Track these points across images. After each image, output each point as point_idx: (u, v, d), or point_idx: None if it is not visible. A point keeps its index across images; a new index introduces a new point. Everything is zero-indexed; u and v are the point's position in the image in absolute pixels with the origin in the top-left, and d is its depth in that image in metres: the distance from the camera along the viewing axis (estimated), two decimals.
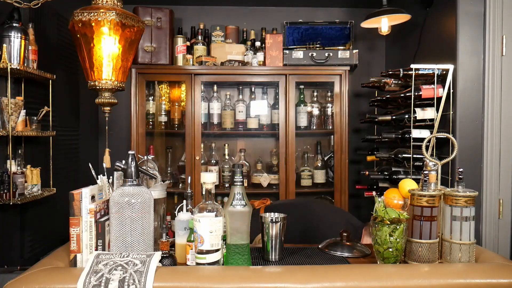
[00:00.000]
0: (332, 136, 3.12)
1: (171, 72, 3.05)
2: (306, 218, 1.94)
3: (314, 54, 3.04)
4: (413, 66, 2.33)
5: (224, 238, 1.33)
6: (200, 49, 3.09)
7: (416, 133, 2.36)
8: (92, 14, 1.76)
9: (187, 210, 1.48)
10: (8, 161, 2.02)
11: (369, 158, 2.88)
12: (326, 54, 3.04)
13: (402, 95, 2.44)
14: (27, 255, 2.23)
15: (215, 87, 3.11)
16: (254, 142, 3.34)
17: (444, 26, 2.43)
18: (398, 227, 1.30)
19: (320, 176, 3.17)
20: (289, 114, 3.01)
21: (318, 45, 3.13)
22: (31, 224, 2.28)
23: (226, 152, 3.16)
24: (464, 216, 1.32)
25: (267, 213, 1.50)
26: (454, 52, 2.29)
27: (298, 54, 3.04)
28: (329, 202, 3.06)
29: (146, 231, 1.29)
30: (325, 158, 3.25)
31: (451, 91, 2.28)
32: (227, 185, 3.11)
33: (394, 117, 2.50)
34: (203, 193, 1.32)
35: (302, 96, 3.17)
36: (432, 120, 2.36)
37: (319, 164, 3.19)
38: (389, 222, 1.31)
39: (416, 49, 2.76)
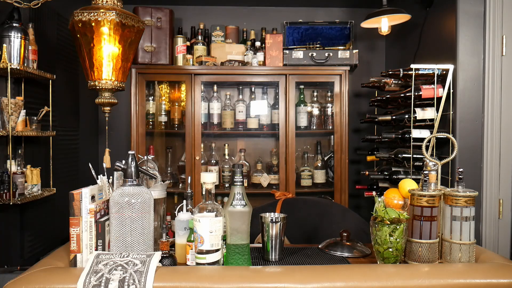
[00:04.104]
0: (332, 136, 3.12)
1: (171, 72, 3.05)
2: (322, 217, 1.92)
3: (314, 54, 3.04)
4: (413, 66, 2.33)
5: (224, 238, 1.33)
6: (200, 49, 3.09)
7: (416, 133, 2.36)
8: (92, 14, 1.76)
9: (187, 210, 1.48)
10: (8, 161, 2.02)
11: (369, 158, 2.88)
12: (326, 54, 3.04)
13: (402, 95, 2.44)
14: (27, 255, 2.23)
15: (215, 87, 3.11)
16: (254, 142, 3.34)
17: (444, 26, 2.43)
18: (398, 227, 1.30)
19: (320, 176, 3.17)
20: (289, 114, 3.01)
21: (318, 45, 3.13)
22: (31, 224, 2.28)
23: (226, 152, 3.16)
24: (464, 216, 1.32)
25: (267, 213, 1.50)
26: (454, 52, 2.29)
27: (298, 54, 3.04)
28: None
29: (146, 231, 1.29)
30: (325, 158, 3.25)
31: (451, 91, 2.28)
32: (227, 185, 3.11)
33: (394, 117, 2.50)
34: (203, 193, 1.32)
35: (302, 96, 3.17)
36: (432, 120, 2.36)
37: (319, 164, 3.19)
38: (389, 222, 1.31)
39: (416, 49, 2.76)
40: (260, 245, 1.60)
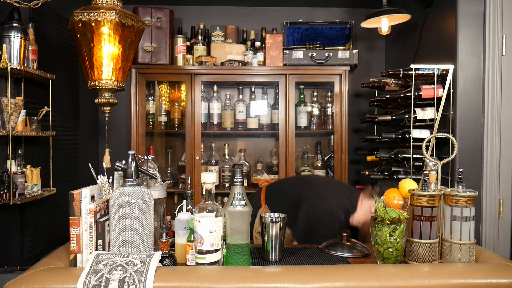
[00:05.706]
0: (332, 136, 3.12)
1: (171, 72, 3.05)
2: (305, 185, 2.01)
3: (314, 54, 3.04)
4: (413, 66, 2.32)
5: (224, 238, 1.33)
6: (200, 49, 3.09)
7: (416, 133, 2.36)
8: (92, 14, 1.76)
9: (187, 210, 1.48)
10: (8, 161, 2.02)
11: (369, 158, 2.88)
12: (326, 54, 3.04)
13: (402, 95, 2.44)
14: (27, 255, 2.23)
15: (215, 87, 3.11)
16: (254, 142, 3.34)
17: (444, 26, 2.43)
18: (398, 227, 1.30)
19: None
20: (289, 114, 3.01)
21: (318, 45, 3.13)
22: (31, 224, 2.28)
23: (226, 152, 3.16)
24: (464, 216, 1.32)
25: (267, 213, 1.50)
26: (454, 52, 2.29)
27: (298, 54, 3.04)
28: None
29: (146, 231, 1.29)
30: (325, 158, 3.25)
31: (451, 91, 2.28)
32: (227, 185, 3.11)
33: (394, 117, 2.50)
34: (203, 193, 1.32)
35: (302, 96, 3.17)
36: (432, 120, 2.36)
37: (319, 164, 3.19)
38: (389, 222, 1.31)
39: (416, 49, 2.76)
40: (259, 244, 1.60)
